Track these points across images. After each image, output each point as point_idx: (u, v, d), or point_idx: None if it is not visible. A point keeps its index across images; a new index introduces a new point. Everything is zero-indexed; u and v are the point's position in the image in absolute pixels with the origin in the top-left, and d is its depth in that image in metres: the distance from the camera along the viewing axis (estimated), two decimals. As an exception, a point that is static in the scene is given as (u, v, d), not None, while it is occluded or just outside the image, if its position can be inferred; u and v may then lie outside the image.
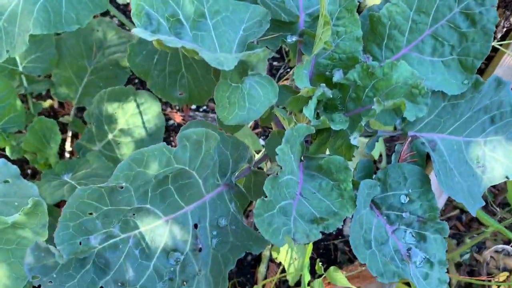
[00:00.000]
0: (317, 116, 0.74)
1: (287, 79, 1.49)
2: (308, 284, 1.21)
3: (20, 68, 1.38)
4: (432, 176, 0.82)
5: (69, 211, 0.57)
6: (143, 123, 1.35)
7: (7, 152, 1.32)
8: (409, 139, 0.82)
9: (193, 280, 0.65)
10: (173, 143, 1.55)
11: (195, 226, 0.67)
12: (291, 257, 1.37)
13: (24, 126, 1.33)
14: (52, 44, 1.39)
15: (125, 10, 1.67)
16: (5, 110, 1.28)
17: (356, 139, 0.69)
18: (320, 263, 1.09)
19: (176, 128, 1.60)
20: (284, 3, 0.84)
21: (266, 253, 1.43)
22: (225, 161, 0.70)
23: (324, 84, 0.72)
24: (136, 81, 1.62)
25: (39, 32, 0.94)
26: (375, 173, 0.80)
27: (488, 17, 0.77)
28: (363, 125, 0.69)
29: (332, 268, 1.16)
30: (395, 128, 0.84)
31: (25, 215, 0.75)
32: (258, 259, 1.43)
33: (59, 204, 1.25)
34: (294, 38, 0.83)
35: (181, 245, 0.66)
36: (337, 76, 0.73)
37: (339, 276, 1.18)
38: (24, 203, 0.81)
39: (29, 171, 1.51)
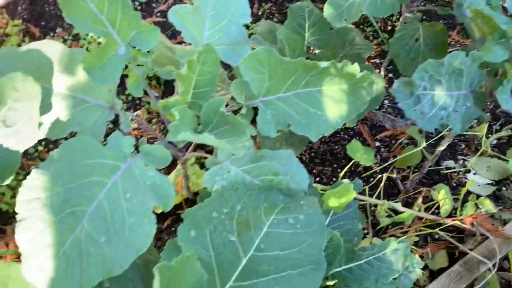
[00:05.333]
0: None
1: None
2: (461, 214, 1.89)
3: (306, 43, 2.30)
4: None
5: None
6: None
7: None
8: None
9: (454, 120, 1.41)
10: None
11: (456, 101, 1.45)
12: (446, 196, 2.04)
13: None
14: (327, 32, 2.31)
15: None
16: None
17: None
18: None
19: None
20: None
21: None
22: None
23: None
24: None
25: (368, 13, 1.82)
26: None
27: None
28: None
29: (482, 197, 1.85)
30: None
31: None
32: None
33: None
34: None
35: (448, 106, 1.43)
36: None
37: (487, 202, 1.85)
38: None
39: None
